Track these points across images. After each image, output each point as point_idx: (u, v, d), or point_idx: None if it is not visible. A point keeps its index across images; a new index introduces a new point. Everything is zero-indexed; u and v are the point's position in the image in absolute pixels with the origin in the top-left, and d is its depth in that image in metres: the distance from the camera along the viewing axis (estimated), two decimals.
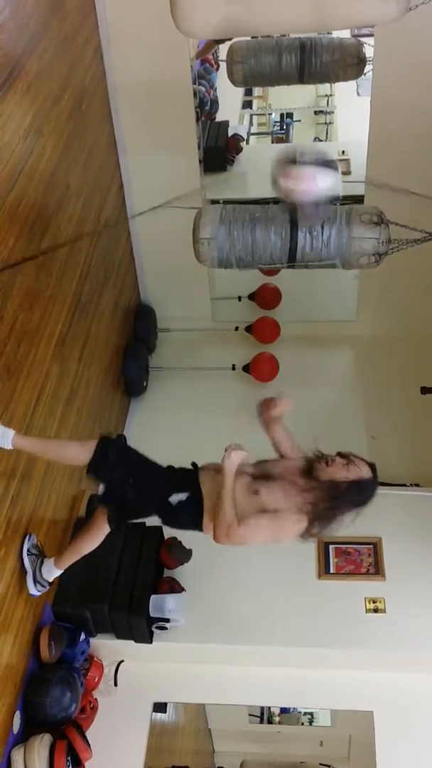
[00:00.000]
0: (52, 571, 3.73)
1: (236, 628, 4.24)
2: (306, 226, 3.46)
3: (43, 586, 3.73)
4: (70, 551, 3.69)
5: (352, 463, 2.98)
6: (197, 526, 3.24)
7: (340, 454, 3.03)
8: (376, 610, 4.27)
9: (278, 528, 3.01)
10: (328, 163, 3.31)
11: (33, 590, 3.72)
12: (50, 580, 3.75)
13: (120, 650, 4.27)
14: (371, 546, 4.55)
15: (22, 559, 3.69)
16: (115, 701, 4.21)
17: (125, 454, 3.39)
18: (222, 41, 6.92)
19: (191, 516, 3.23)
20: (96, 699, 4.16)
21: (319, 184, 3.25)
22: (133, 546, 4.40)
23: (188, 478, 3.29)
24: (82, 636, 4.09)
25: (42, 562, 3.74)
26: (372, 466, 3.04)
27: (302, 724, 7.74)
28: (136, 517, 3.57)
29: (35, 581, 3.70)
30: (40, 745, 3.50)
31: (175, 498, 3.22)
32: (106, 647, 4.26)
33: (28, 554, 3.70)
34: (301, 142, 3.33)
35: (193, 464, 3.37)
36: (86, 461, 3.27)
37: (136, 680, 4.26)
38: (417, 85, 5.06)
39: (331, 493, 2.97)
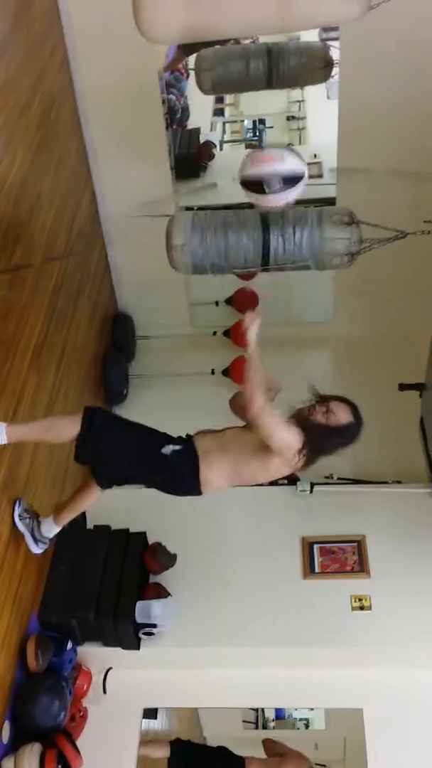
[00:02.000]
0: (52, 528, 3.86)
1: (224, 630, 4.25)
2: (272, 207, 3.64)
3: (44, 543, 3.88)
4: (69, 509, 3.81)
5: (330, 412, 3.15)
6: (194, 479, 3.32)
7: (320, 401, 3.20)
8: (362, 608, 4.29)
9: (283, 431, 3.12)
10: (294, 152, 3.56)
11: (35, 549, 3.86)
12: (50, 536, 3.88)
13: (108, 657, 4.26)
14: (355, 544, 4.58)
15: (15, 526, 3.77)
16: (105, 709, 4.20)
17: (111, 419, 3.53)
18: (190, 53, 6.94)
19: (188, 467, 3.32)
20: (85, 707, 4.15)
21: (286, 162, 3.48)
22: (118, 552, 4.40)
23: (181, 438, 3.45)
24: (69, 644, 4.08)
25: (39, 522, 3.86)
26: (353, 408, 3.21)
27: (297, 729, 7.71)
28: (125, 481, 3.63)
29: (36, 540, 3.84)
30: (30, 754, 3.49)
31: (169, 448, 3.35)
32: (94, 655, 4.25)
33: (20, 519, 3.79)
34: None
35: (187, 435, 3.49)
36: (76, 433, 3.38)
37: (125, 687, 4.25)
38: (382, 84, 5.10)
39: (314, 438, 3.14)
